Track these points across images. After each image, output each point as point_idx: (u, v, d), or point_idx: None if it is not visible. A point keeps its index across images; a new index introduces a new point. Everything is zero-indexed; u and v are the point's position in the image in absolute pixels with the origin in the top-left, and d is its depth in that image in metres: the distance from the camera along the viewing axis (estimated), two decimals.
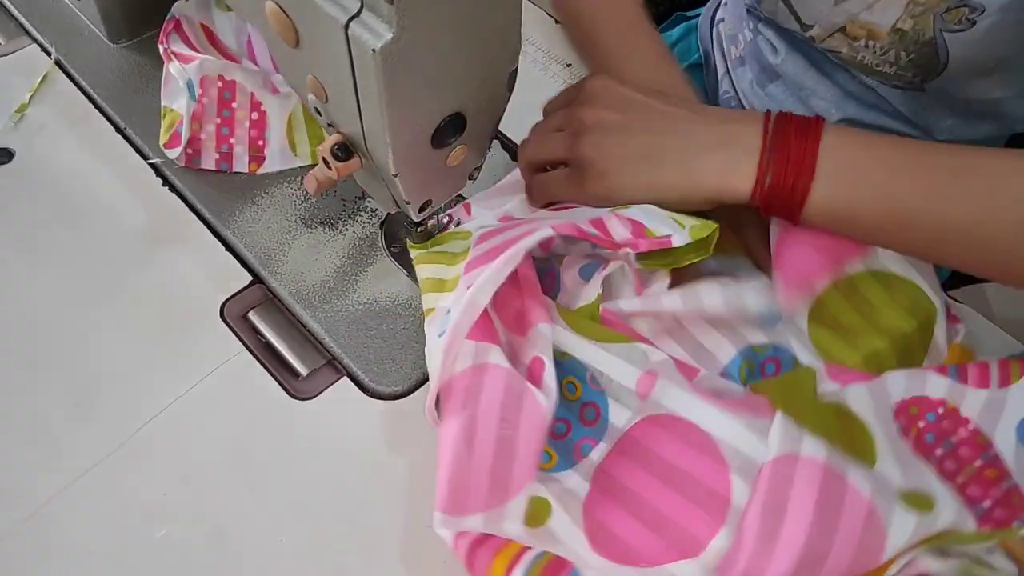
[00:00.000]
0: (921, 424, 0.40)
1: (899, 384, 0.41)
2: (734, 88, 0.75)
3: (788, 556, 0.34)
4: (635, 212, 0.42)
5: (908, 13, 0.55)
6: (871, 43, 0.59)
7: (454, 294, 0.41)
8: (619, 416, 0.40)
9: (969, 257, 0.41)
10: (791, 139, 0.40)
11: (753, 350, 0.44)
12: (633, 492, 0.38)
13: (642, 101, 0.44)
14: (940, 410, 0.40)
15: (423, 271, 0.45)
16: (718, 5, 0.79)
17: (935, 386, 0.41)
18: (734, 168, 0.41)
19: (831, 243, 0.43)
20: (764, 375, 0.44)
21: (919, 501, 0.36)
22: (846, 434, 0.39)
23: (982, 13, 0.52)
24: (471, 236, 0.46)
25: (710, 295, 0.43)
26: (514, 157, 0.54)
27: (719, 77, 0.77)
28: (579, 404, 0.41)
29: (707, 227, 0.41)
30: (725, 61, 0.76)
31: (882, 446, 0.39)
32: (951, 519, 0.36)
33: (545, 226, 0.40)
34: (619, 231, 0.41)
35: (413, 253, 0.47)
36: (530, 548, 0.38)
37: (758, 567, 0.35)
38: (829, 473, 0.35)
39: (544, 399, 0.38)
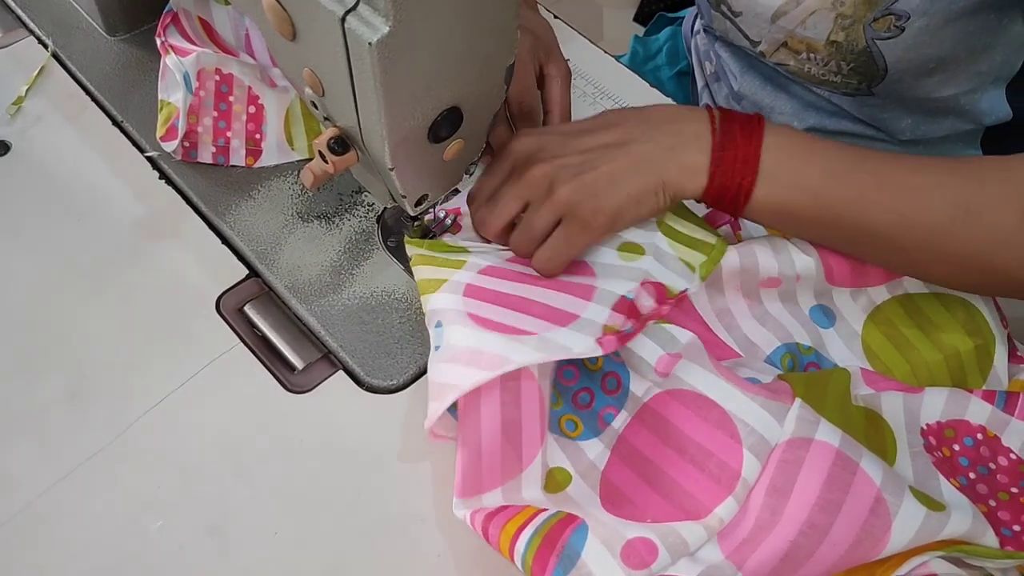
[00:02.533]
0: (956, 447, 0.41)
1: (938, 402, 0.42)
2: (713, 101, 0.76)
3: (789, 528, 0.35)
4: (649, 264, 0.43)
5: (838, 26, 0.56)
6: (812, 55, 0.60)
7: (439, 295, 0.42)
8: (639, 386, 0.42)
9: (889, 259, 0.44)
10: (738, 139, 0.42)
11: (798, 347, 0.45)
12: (649, 460, 0.39)
13: (583, 131, 0.45)
14: (979, 436, 0.41)
15: (420, 272, 0.45)
16: (697, 13, 0.79)
17: (976, 412, 0.41)
18: (691, 166, 0.43)
19: None
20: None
21: (930, 502, 0.36)
22: (871, 435, 0.40)
23: (908, 19, 0.53)
24: (467, 252, 0.46)
25: (769, 296, 0.46)
26: None
27: (699, 90, 0.78)
28: (601, 374, 0.43)
29: (712, 261, 0.44)
30: (703, 74, 0.77)
31: (903, 453, 0.40)
32: (966, 527, 0.36)
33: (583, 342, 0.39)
34: (645, 302, 0.42)
35: (410, 251, 0.47)
36: (539, 512, 0.39)
37: (760, 536, 0.35)
38: (841, 457, 0.36)
39: (536, 371, 0.39)
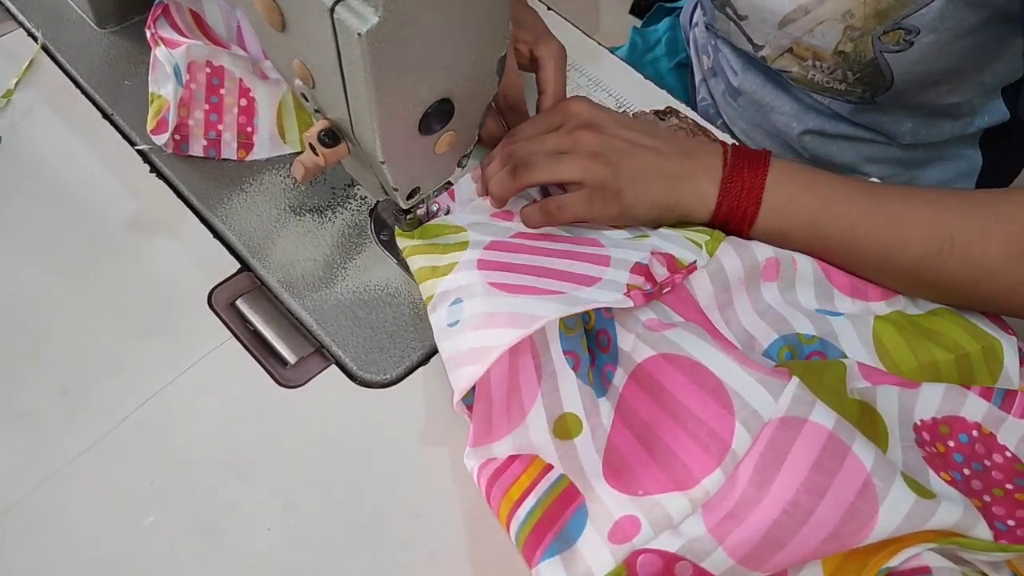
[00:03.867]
0: (951, 443, 0.41)
1: (934, 398, 0.42)
2: (710, 96, 0.75)
3: (773, 505, 0.35)
4: (656, 241, 0.46)
5: (847, 37, 0.56)
6: (818, 63, 0.60)
7: (454, 276, 0.43)
8: (625, 340, 0.42)
9: (883, 281, 0.48)
10: (744, 173, 0.47)
11: (798, 338, 0.45)
12: (647, 424, 0.40)
13: (633, 125, 0.49)
14: (974, 433, 0.41)
15: (416, 262, 0.46)
16: (696, 5, 0.79)
17: (972, 408, 0.41)
18: (701, 194, 0.47)
19: None
20: None
21: (920, 489, 0.36)
22: (864, 427, 0.40)
23: (917, 34, 0.53)
24: (464, 231, 0.46)
25: (769, 289, 0.47)
26: None
27: (696, 83, 0.78)
28: (595, 332, 0.43)
29: (715, 240, 0.46)
30: (701, 68, 0.76)
31: (894, 446, 0.40)
32: (956, 517, 0.36)
33: (606, 291, 0.41)
34: (659, 270, 0.44)
35: (402, 244, 0.47)
36: (543, 477, 0.40)
37: (743, 512, 0.35)
38: (833, 440, 0.36)
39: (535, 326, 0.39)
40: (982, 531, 0.36)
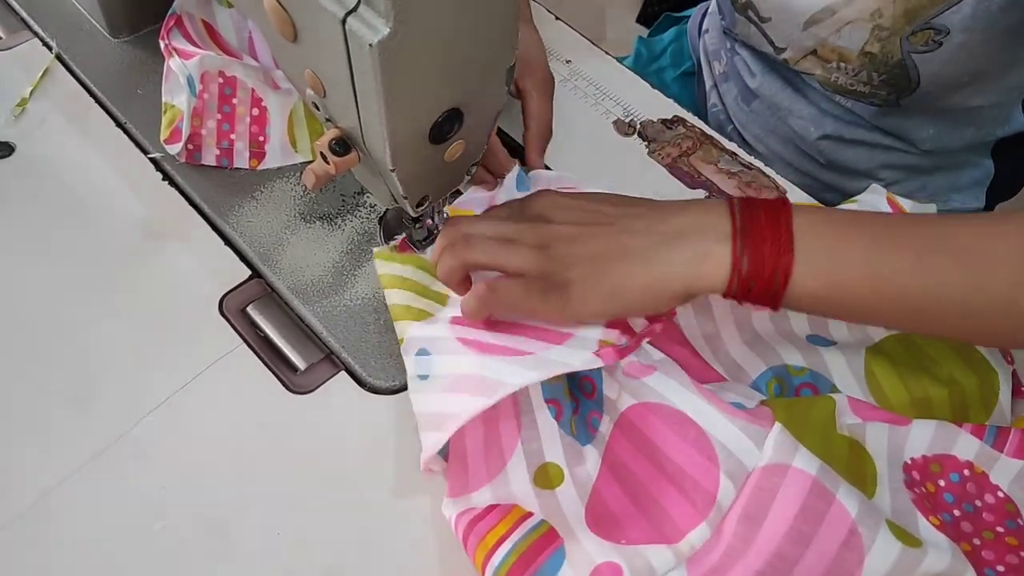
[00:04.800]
0: (942, 483, 0.40)
1: (925, 436, 0.41)
2: (721, 102, 0.75)
3: (758, 556, 0.35)
4: None
5: (875, 37, 0.56)
6: (843, 65, 0.59)
7: (425, 325, 0.43)
8: (611, 388, 0.42)
9: (962, 329, 0.39)
10: (762, 221, 0.38)
11: (787, 369, 0.44)
12: (635, 475, 0.39)
13: (594, 208, 0.42)
14: (966, 472, 0.40)
15: (392, 296, 0.46)
16: (705, 12, 0.79)
17: (964, 447, 0.40)
18: (704, 257, 0.38)
19: None
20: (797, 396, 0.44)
21: (906, 537, 0.36)
22: (853, 465, 0.39)
23: (947, 35, 0.52)
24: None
25: (759, 319, 0.45)
26: (513, 154, 0.53)
27: (707, 90, 0.78)
28: (578, 378, 0.43)
29: None
30: (712, 74, 0.76)
31: (882, 487, 0.40)
32: (943, 565, 0.35)
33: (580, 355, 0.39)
34: (637, 321, 0.41)
35: (380, 268, 0.47)
36: (521, 524, 0.39)
37: (727, 565, 0.35)
38: (817, 486, 0.35)
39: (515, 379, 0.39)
40: None
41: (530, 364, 0.39)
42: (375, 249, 0.49)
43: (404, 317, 0.44)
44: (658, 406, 0.39)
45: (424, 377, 0.41)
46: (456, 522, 0.39)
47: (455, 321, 0.43)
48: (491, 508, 0.39)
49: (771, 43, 0.63)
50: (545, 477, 0.40)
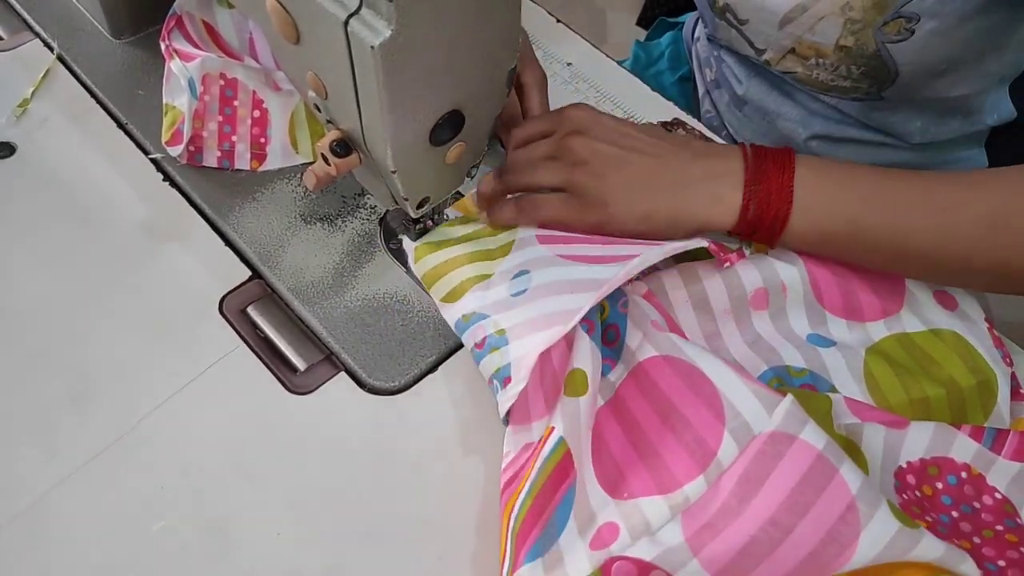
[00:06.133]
0: (939, 485, 0.40)
1: (923, 438, 0.41)
2: (715, 108, 0.76)
3: (752, 521, 0.35)
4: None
5: (848, 30, 0.56)
6: (821, 60, 0.60)
7: (515, 254, 0.45)
8: (633, 337, 0.43)
9: (928, 275, 0.46)
10: (770, 173, 0.44)
11: (787, 370, 0.45)
12: (638, 423, 0.40)
13: (631, 133, 0.47)
14: (963, 475, 0.40)
15: (426, 264, 0.47)
16: (698, 19, 0.79)
17: (962, 449, 0.40)
18: (720, 200, 0.45)
19: (878, 284, 0.48)
20: None
21: (905, 518, 0.36)
22: None
23: (918, 22, 0.53)
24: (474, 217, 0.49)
25: (760, 319, 0.47)
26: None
27: (700, 97, 0.78)
28: (604, 325, 0.44)
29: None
30: (704, 81, 0.77)
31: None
32: (940, 552, 0.35)
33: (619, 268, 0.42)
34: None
35: (418, 270, 0.47)
36: (539, 453, 0.40)
37: (722, 523, 0.35)
38: (820, 460, 0.36)
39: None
40: (970, 568, 0.35)
41: (627, 263, 0.41)
42: (411, 243, 0.49)
43: (481, 259, 0.46)
44: (676, 360, 0.40)
45: (519, 293, 0.42)
46: (503, 487, 0.41)
47: (544, 240, 0.45)
48: (525, 464, 0.40)
49: (751, 45, 0.64)
50: (573, 384, 0.41)
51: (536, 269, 0.43)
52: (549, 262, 0.44)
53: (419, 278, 0.47)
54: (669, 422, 0.39)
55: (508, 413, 0.41)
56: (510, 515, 0.39)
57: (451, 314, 0.45)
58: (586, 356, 0.41)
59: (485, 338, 0.42)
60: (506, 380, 0.40)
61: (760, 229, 0.45)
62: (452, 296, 0.45)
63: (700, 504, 0.36)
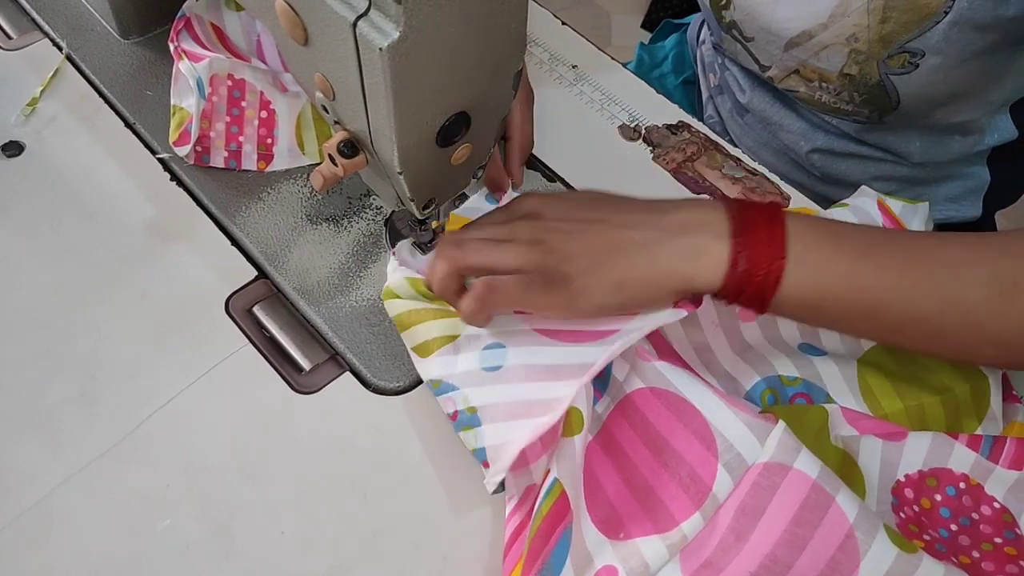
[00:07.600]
0: (938, 497, 0.40)
1: (921, 449, 0.40)
2: (717, 113, 0.76)
3: (751, 558, 0.34)
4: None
5: (852, 60, 0.56)
6: (824, 84, 0.60)
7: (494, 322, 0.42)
8: (620, 369, 0.41)
9: (932, 346, 0.41)
10: (760, 223, 0.38)
11: (780, 380, 0.44)
12: (630, 459, 0.39)
13: (587, 205, 0.42)
14: (961, 485, 0.40)
15: (393, 307, 0.44)
16: (703, 22, 0.79)
17: (960, 460, 0.40)
18: (703, 251, 0.38)
19: None
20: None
21: (902, 542, 0.36)
22: (843, 479, 0.39)
23: (922, 56, 0.53)
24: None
25: (749, 329, 0.45)
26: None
27: (703, 101, 0.78)
28: None
29: None
30: (708, 86, 0.77)
31: (870, 506, 0.40)
32: (939, 574, 0.35)
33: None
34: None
35: (391, 310, 0.45)
36: (538, 497, 0.39)
37: (721, 561, 0.35)
38: (816, 490, 0.35)
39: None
40: None
41: (619, 338, 0.38)
42: (386, 286, 0.45)
43: (445, 316, 0.43)
44: (663, 392, 0.39)
45: (494, 368, 0.40)
46: (506, 526, 0.40)
47: (520, 314, 0.42)
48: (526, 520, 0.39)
49: (756, 61, 0.64)
50: (569, 424, 0.38)
51: (512, 345, 0.41)
52: (526, 337, 0.41)
53: (391, 319, 0.45)
54: (662, 458, 0.38)
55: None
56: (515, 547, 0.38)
57: (422, 371, 0.43)
58: (581, 394, 0.39)
59: (456, 412, 0.41)
60: (484, 463, 0.39)
61: (749, 287, 0.38)
62: (421, 351, 0.43)
63: (698, 541, 0.36)
